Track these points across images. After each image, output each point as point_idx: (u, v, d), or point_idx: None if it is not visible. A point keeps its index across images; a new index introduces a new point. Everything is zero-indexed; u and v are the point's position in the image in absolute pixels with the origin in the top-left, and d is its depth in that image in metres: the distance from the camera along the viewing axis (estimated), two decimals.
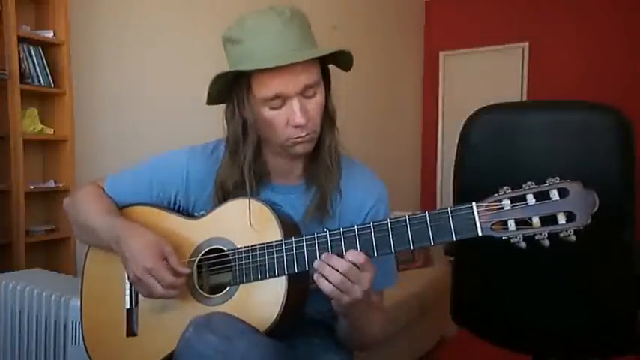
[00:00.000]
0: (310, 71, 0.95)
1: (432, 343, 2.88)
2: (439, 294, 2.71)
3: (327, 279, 0.88)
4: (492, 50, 4.97)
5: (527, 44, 4.83)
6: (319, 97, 0.99)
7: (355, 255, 0.88)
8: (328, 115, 1.03)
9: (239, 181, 1.02)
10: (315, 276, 0.90)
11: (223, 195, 1.05)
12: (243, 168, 1.01)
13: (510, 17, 4.86)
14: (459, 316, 1.51)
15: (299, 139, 0.98)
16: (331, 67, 1.04)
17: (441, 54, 5.29)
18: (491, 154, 1.35)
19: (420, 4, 5.36)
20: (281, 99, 0.95)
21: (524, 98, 4.77)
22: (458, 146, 1.41)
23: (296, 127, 0.96)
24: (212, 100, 1.02)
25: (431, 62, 5.35)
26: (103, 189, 1.15)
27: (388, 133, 4.83)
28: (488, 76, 4.97)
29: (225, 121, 1.04)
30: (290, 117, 0.96)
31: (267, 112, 0.97)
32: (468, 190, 1.38)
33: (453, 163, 1.42)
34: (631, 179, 1.22)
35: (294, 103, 0.95)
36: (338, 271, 0.88)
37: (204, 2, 3.16)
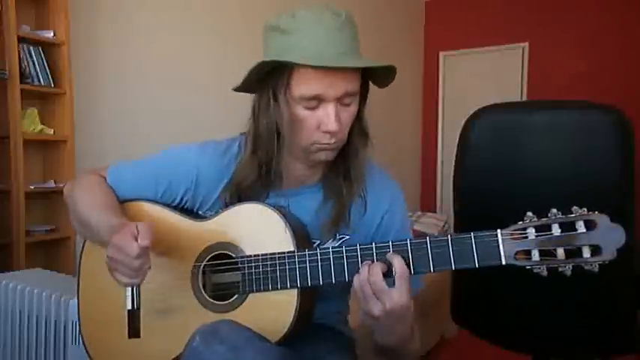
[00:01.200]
0: (353, 79, 0.93)
1: (432, 343, 2.87)
2: (439, 294, 2.71)
3: (359, 278, 0.87)
4: (492, 50, 4.97)
5: (527, 44, 4.83)
6: (354, 108, 0.96)
7: (398, 263, 0.85)
8: (361, 127, 1.01)
9: (256, 179, 1.00)
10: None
11: (238, 192, 1.02)
12: (265, 165, 0.99)
13: (510, 17, 4.86)
14: (459, 317, 1.51)
15: (325, 146, 0.95)
16: None
17: (441, 54, 5.29)
18: (492, 154, 1.35)
19: (420, 4, 5.36)
20: (318, 100, 0.92)
21: (524, 98, 4.78)
22: (458, 146, 1.41)
23: (326, 132, 0.93)
24: (243, 87, 0.99)
25: (431, 62, 5.35)
26: (105, 179, 1.10)
27: (388, 133, 4.82)
28: (488, 76, 4.97)
29: (255, 113, 0.99)
30: (322, 121, 0.92)
31: (301, 112, 0.93)
32: (468, 190, 1.38)
33: (453, 163, 1.42)
34: (631, 179, 1.22)
35: (330, 108, 0.92)
36: (368, 277, 0.86)
37: (203, 2, 3.16)
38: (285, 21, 0.93)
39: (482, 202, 1.34)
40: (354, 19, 0.96)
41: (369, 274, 0.86)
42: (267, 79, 0.95)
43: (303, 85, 0.90)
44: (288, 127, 0.96)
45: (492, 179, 1.33)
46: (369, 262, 0.88)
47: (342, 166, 1.02)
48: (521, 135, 1.31)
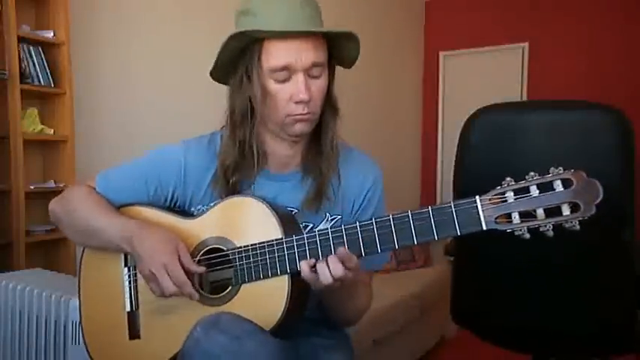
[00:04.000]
0: (319, 49, 0.98)
1: (432, 343, 2.88)
2: (439, 294, 2.72)
3: (330, 272, 0.90)
4: (492, 50, 4.96)
5: (527, 44, 4.83)
6: (323, 80, 1.01)
7: (345, 255, 0.90)
8: (331, 103, 1.05)
9: (239, 159, 1.03)
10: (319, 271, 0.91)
11: (225, 178, 1.04)
12: (245, 145, 1.03)
13: (510, 17, 4.85)
14: (459, 317, 1.51)
15: (298, 117, 0.99)
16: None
17: (441, 54, 5.28)
18: (491, 154, 1.35)
19: (420, 4, 5.36)
20: (288, 72, 0.97)
21: (524, 98, 4.77)
22: (458, 146, 1.41)
23: (298, 102, 0.98)
24: (218, 69, 1.04)
25: (431, 62, 5.35)
26: (94, 189, 1.12)
27: (388, 133, 4.82)
28: (488, 76, 4.97)
29: (230, 95, 1.05)
30: (293, 92, 0.98)
31: (272, 86, 0.98)
32: (468, 190, 1.37)
33: (453, 163, 1.42)
34: (631, 179, 1.22)
35: (300, 78, 0.97)
36: (343, 265, 0.90)
37: (204, 2, 3.16)
38: (252, 3, 0.99)
39: None
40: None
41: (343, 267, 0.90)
42: (239, 61, 1.01)
43: (272, 58, 0.96)
44: (262, 103, 1.01)
45: (492, 179, 1.33)
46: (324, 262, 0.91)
47: (317, 144, 1.06)
48: (521, 135, 1.31)
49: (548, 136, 1.29)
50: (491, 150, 1.35)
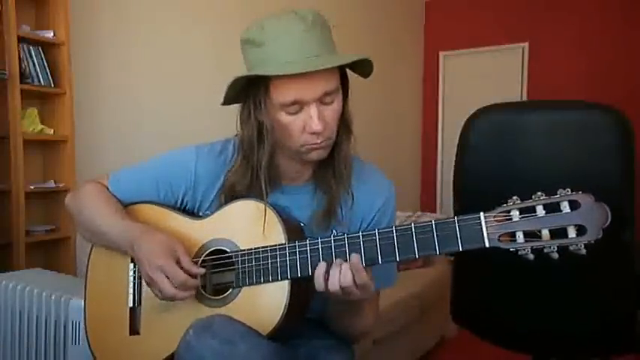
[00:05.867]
0: (329, 78, 0.94)
1: (432, 343, 2.88)
2: (439, 294, 2.71)
3: (339, 280, 0.89)
4: (492, 50, 4.97)
5: (527, 44, 4.83)
6: (337, 105, 0.97)
7: (356, 264, 0.89)
8: (345, 122, 1.02)
9: (250, 184, 1.02)
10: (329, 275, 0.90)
11: (232, 197, 1.04)
12: (257, 172, 1.00)
13: (510, 17, 4.85)
14: (459, 317, 1.51)
15: (314, 146, 0.97)
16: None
17: (441, 54, 5.28)
18: (491, 154, 1.35)
19: (420, 4, 5.36)
20: (299, 105, 0.94)
21: (524, 98, 4.77)
22: (458, 146, 1.41)
23: (312, 133, 0.95)
24: (228, 101, 1.01)
25: (431, 62, 5.35)
26: (107, 187, 1.13)
27: (388, 133, 4.82)
28: (488, 76, 4.97)
29: (239, 123, 1.02)
30: (307, 123, 0.94)
31: (284, 118, 0.95)
32: (468, 190, 1.38)
33: (453, 163, 1.42)
34: (631, 179, 1.22)
35: (312, 110, 0.93)
36: (353, 275, 0.89)
37: (204, 2, 3.16)
38: (256, 33, 0.95)
39: (482, 202, 1.34)
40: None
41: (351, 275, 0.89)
42: (248, 91, 0.98)
43: (280, 94, 0.93)
44: (275, 133, 0.98)
45: (492, 179, 1.33)
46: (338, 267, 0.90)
47: (329, 162, 1.04)
48: (520, 135, 1.31)
49: (548, 137, 1.28)
50: (491, 150, 1.35)
